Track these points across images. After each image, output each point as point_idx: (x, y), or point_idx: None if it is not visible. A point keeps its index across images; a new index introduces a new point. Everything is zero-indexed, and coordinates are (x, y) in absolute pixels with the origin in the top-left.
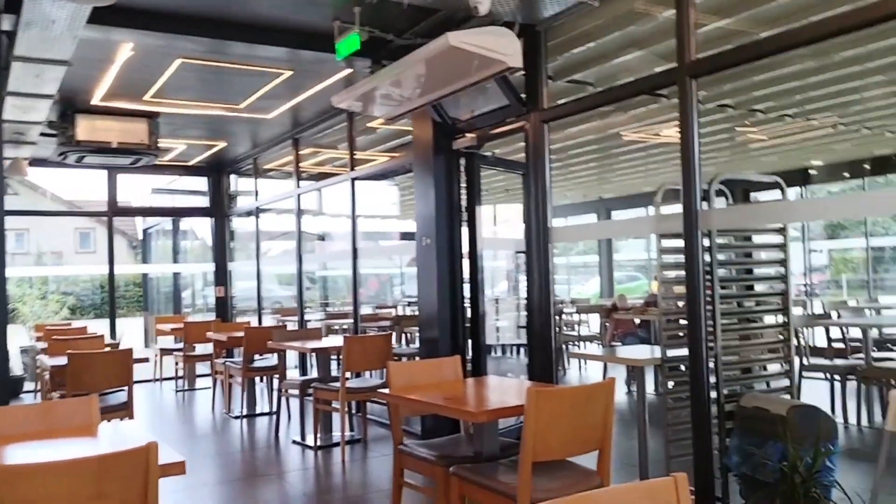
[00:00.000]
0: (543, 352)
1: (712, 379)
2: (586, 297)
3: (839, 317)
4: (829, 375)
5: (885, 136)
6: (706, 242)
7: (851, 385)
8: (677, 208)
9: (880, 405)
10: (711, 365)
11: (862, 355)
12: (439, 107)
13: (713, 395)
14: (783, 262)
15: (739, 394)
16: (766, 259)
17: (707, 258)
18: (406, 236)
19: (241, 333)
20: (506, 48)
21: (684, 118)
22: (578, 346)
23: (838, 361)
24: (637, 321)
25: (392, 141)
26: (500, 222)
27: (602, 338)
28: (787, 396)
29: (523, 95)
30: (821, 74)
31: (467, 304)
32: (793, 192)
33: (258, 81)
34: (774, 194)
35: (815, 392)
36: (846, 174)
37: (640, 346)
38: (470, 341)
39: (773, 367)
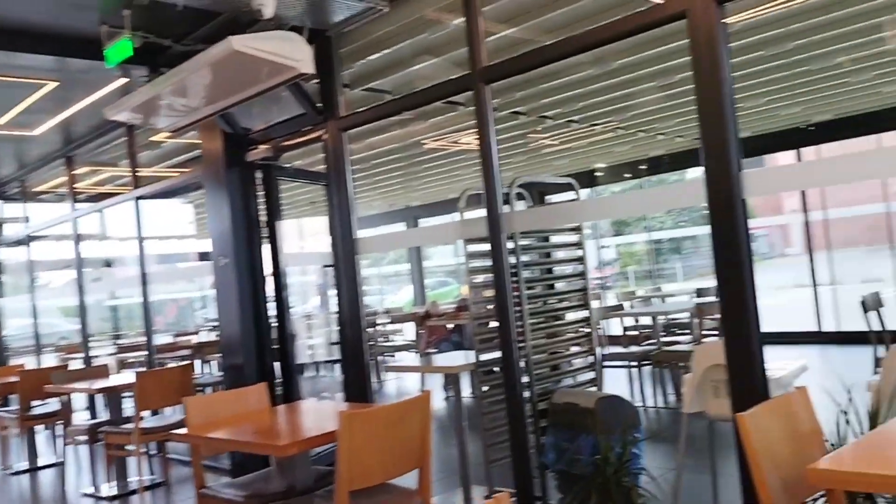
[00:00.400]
0: (357, 367)
1: (525, 379)
2: (399, 305)
3: (632, 307)
4: (627, 363)
5: (658, 139)
6: (510, 245)
7: (647, 370)
8: (481, 212)
9: (673, 387)
10: (523, 365)
11: (654, 341)
12: (229, 117)
13: (526, 394)
14: (581, 260)
15: (552, 391)
16: (565, 258)
17: (512, 260)
18: (205, 256)
19: (14, 378)
20: (295, 53)
21: (481, 123)
22: (394, 357)
23: (633, 349)
24: (450, 326)
25: (182, 155)
26: (309, 236)
27: (417, 345)
28: (594, 389)
29: (320, 104)
30: (601, 82)
31: (274, 324)
32: (584, 193)
33: (18, 94)
34: (569, 195)
35: (617, 381)
36: (627, 175)
37: (454, 352)
38: (279, 364)
39: (579, 362)
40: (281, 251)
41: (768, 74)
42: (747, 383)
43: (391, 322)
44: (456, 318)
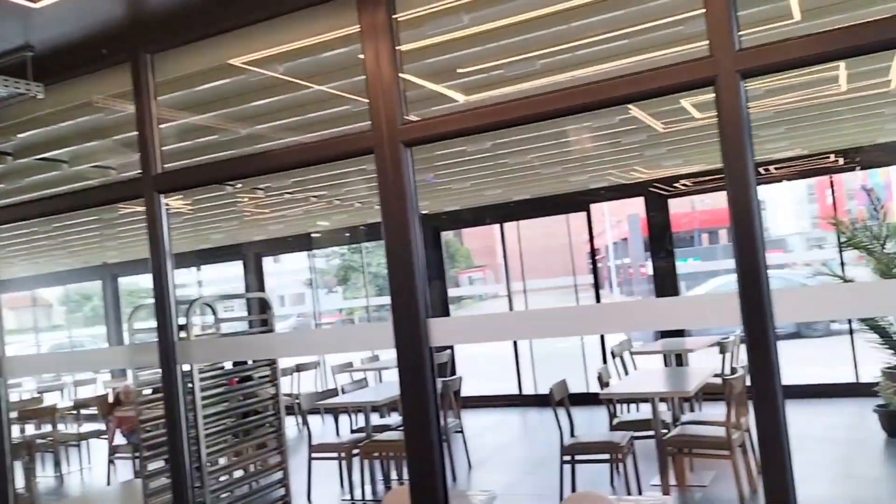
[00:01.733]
0: None
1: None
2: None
3: (342, 390)
4: (337, 454)
5: (374, 208)
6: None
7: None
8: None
9: (383, 475)
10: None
11: (363, 426)
12: None
13: None
14: (275, 397)
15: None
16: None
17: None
18: None
19: None
20: None
21: (154, 240)
22: (80, 447)
23: (344, 438)
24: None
25: None
26: None
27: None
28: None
29: None
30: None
31: None
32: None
33: None
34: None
35: (329, 473)
36: (347, 234)
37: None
38: None
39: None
40: None
41: (473, 164)
42: None
43: (75, 409)
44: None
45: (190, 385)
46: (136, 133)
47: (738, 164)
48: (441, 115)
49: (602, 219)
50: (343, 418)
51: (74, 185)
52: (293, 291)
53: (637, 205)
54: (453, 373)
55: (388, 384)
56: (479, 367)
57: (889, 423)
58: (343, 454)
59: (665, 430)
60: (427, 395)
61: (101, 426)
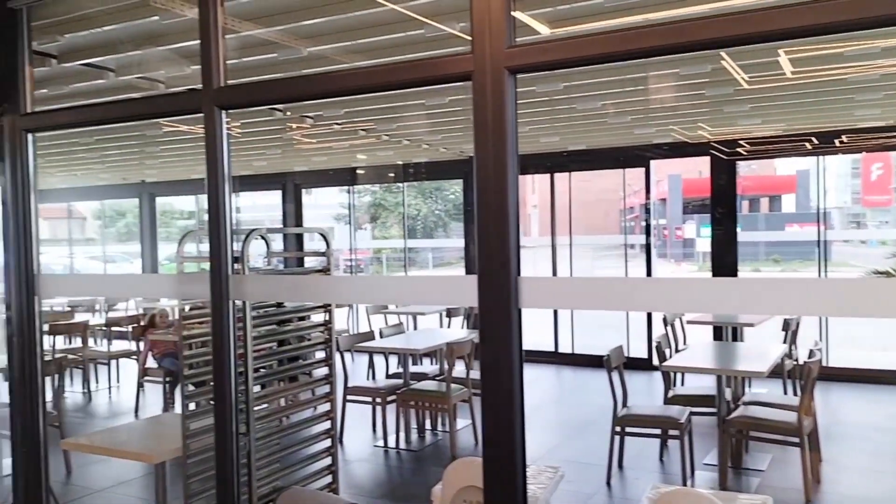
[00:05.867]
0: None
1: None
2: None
3: (381, 333)
4: (371, 399)
5: (422, 148)
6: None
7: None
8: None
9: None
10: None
11: (401, 372)
12: None
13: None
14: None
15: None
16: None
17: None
18: None
19: None
20: None
21: (212, 157)
22: (110, 365)
23: (380, 383)
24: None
25: None
26: None
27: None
28: (329, 487)
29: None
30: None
31: None
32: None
33: None
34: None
35: (361, 417)
36: (391, 174)
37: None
38: None
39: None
40: None
41: (535, 107)
42: None
43: (106, 326)
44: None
45: (240, 323)
46: (192, 42)
47: None
48: (555, 40)
49: (638, 177)
50: (378, 362)
51: (122, 95)
52: (324, 226)
53: (679, 166)
54: None
55: (424, 331)
56: None
57: None
58: (379, 399)
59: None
60: (512, 367)
61: (132, 346)
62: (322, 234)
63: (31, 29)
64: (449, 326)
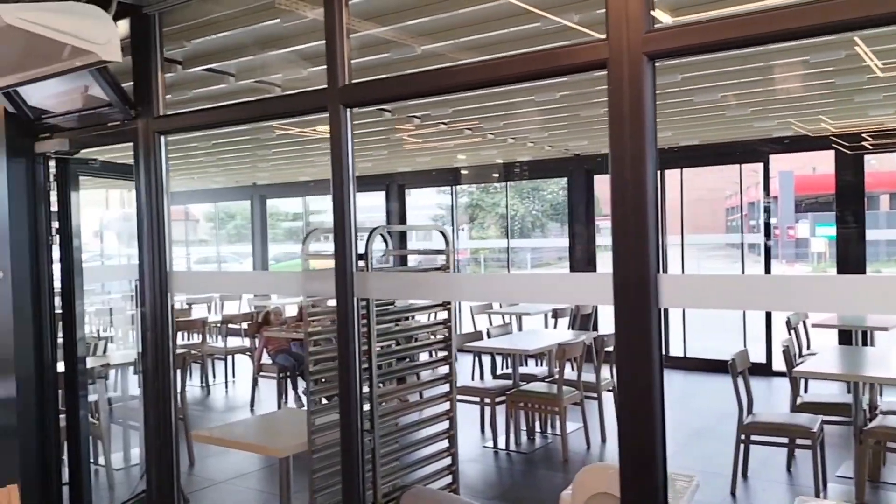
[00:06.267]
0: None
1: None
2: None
3: (488, 333)
4: (479, 399)
5: (527, 146)
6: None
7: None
8: (328, 260)
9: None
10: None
11: (510, 372)
12: (14, 95)
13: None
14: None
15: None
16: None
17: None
18: None
19: None
20: (95, 34)
21: (337, 154)
22: (226, 361)
23: (488, 383)
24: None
25: None
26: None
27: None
28: (450, 487)
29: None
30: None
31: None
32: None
33: None
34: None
35: (468, 415)
36: (494, 175)
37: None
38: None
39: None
40: (77, 264)
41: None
42: None
43: (222, 323)
44: (298, 328)
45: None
46: (312, 44)
47: None
48: (698, 23)
49: (748, 174)
50: (484, 361)
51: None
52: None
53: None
54: (596, 326)
55: (530, 332)
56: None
57: None
58: (488, 400)
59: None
60: (652, 371)
61: (245, 342)
62: (441, 232)
63: (163, 34)
64: (555, 327)
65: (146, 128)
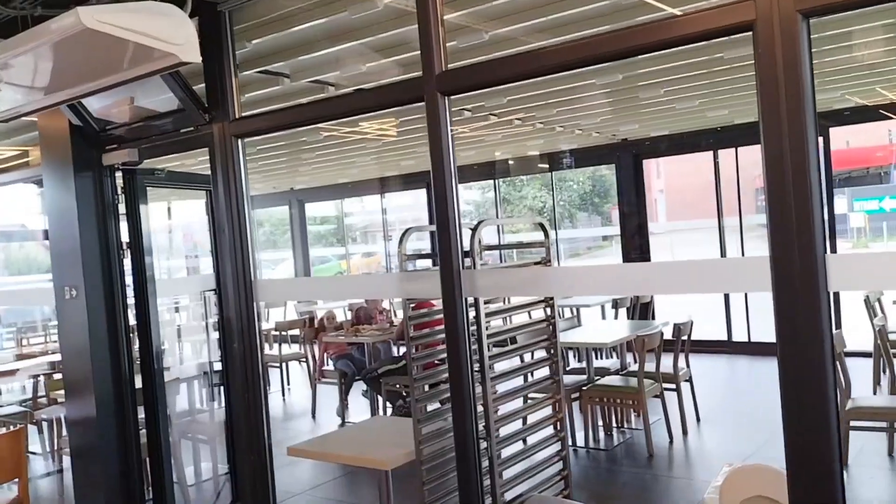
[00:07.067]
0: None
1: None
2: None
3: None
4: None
5: (574, 133)
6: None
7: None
8: (425, 260)
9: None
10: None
11: (583, 366)
12: (79, 106)
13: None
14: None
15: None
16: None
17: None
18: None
19: None
20: (173, 34)
21: (436, 147)
22: (282, 369)
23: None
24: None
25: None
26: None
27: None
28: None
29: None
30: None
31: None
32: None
33: None
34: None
35: None
36: (542, 165)
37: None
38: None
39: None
40: (150, 277)
41: (713, 77)
42: None
43: (276, 330)
44: (357, 333)
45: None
46: (383, 35)
47: None
48: None
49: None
50: None
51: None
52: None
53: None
54: (653, 315)
55: (597, 324)
56: (677, 308)
57: None
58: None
59: None
60: (823, 362)
61: (300, 350)
62: (541, 225)
63: (234, 34)
64: (616, 318)
65: (222, 132)
